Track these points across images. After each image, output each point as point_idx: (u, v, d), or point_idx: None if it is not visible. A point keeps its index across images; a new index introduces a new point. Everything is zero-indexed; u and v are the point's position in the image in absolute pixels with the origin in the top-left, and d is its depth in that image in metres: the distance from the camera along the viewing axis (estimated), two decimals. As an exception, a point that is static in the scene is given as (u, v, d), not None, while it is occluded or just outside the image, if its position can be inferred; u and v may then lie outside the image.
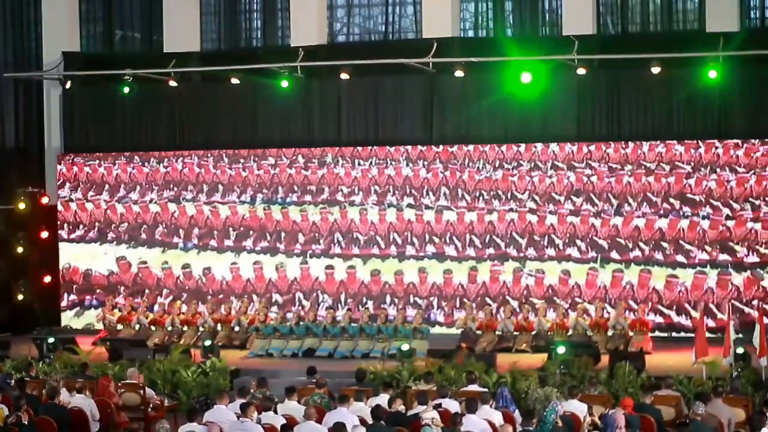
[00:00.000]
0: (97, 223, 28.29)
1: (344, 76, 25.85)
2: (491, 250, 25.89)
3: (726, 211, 24.51)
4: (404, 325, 23.71)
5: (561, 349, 21.14)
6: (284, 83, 26.30)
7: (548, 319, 23.83)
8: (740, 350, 20.03)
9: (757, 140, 24.35)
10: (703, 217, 24.63)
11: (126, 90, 27.19)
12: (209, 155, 27.66)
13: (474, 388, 18.16)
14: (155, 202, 27.97)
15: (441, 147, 26.24)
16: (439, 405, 16.55)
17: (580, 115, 25.62)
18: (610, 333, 23.36)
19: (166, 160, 27.89)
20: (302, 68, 26.13)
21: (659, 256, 24.92)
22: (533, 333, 23.76)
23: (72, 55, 28.58)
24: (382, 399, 16.93)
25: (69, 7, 28.89)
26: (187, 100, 27.93)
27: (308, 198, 27.02)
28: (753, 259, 24.42)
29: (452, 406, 16.55)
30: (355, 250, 26.72)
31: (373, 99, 26.89)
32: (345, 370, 21.17)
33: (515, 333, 23.87)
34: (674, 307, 24.70)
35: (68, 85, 28.14)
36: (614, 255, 25.18)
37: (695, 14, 25.62)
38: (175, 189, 27.87)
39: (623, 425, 15.45)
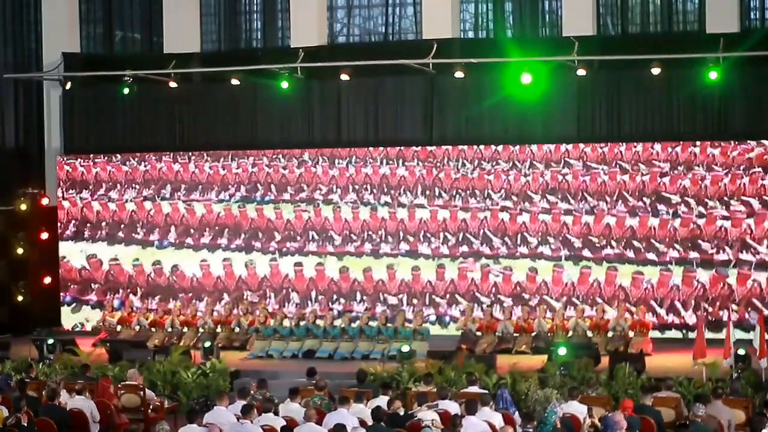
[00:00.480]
0: (89, 223, 28.35)
1: (344, 77, 25.84)
2: (464, 248, 25.99)
3: (700, 209, 24.60)
4: (404, 327, 23.71)
5: (561, 351, 21.14)
6: (284, 84, 26.31)
7: (548, 319, 23.84)
8: (741, 352, 20.02)
9: (755, 141, 24.41)
10: (674, 215, 24.74)
11: (126, 91, 27.18)
12: (191, 155, 27.72)
13: (474, 389, 18.16)
14: (131, 201, 28.05)
15: (420, 147, 26.31)
16: (436, 405, 16.56)
17: (580, 116, 25.58)
18: (610, 334, 23.36)
19: (145, 158, 27.97)
20: (302, 69, 26.13)
21: (630, 253, 25.04)
22: (533, 334, 23.75)
23: (72, 56, 28.55)
24: (382, 400, 16.92)
25: (69, 8, 28.88)
26: (187, 101, 27.90)
27: (286, 196, 27.11)
28: (722, 257, 24.51)
29: (452, 407, 16.55)
30: (330, 248, 26.81)
31: (373, 100, 26.86)
32: (345, 371, 21.17)
33: (515, 334, 23.86)
34: (641, 305, 24.62)
35: (68, 86, 28.12)
36: (586, 253, 25.29)
37: (695, 15, 25.61)
38: (153, 187, 27.97)
39: (623, 427, 15.45)
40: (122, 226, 28.08)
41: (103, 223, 28.22)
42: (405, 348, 22.24)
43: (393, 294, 26.35)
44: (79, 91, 28.40)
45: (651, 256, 24.90)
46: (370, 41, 27.97)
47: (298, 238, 26.97)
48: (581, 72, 24.64)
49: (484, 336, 23.87)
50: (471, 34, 27.14)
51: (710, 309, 24.10)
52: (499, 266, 25.76)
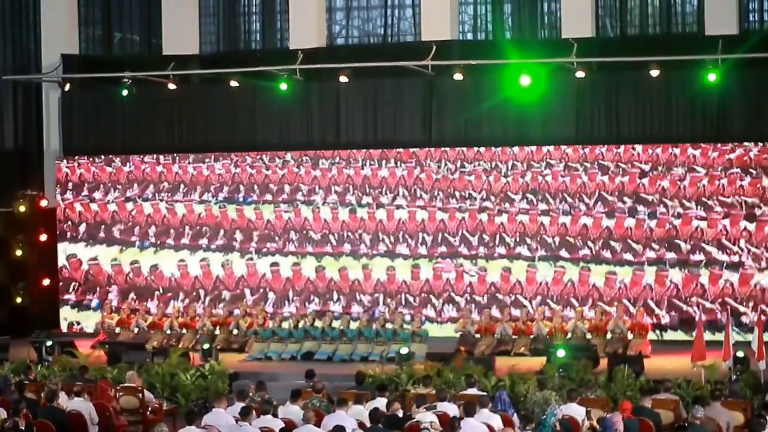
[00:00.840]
0: (72, 223, 28.43)
1: (343, 78, 25.84)
2: (443, 248, 26.16)
3: (679, 210, 24.78)
4: (403, 329, 23.69)
5: (560, 353, 21.14)
6: (283, 86, 26.30)
7: (546, 323, 23.83)
8: (740, 353, 20.03)
9: (756, 143, 24.47)
10: (651, 216, 24.88)
11: (125, 92, 27.15)
12: (176, 156, 27.88)
13: (473, 391, 18.15)
14: (113, 202, 28.11)
15: (419, 149, 26.44)
16: (434, 407, 16.56)
17: (579, 117, 25.60)
18: (608, 336, 23.35)
19: (129, 159, 28.09)
20: (301, 71, 26.10)
21: (607, 254, 25.18)
22: (532, 336, 23.73)
23: (71, 58, 28.54)
24: (380, 402, 16.92)
25: (68, 10, 28.86)
26: (186, 103, 27.88)
27: (269, 197, 27.23)
28: (699, 257, 24.66)
29: (451, 409, 16.53)
30: (310, 249, 26.95)
31: (372, 102, 26.87)
32: (344, 373, 21.16)
33: (514, 337, 23.84)
34: (615, 303, 24.81)
35: (67, 87, 28.11)
36: (563, 253, 25.44)
37: (694, 17, 25.63)
38: (137, 188, 28.06)
39: (622, 429, 15.46)
40: (103, 226, 28.17)
41: (82, 224, 28.28)
42: (404, 350, 22.24)
43: (368, 293, 26.51)
44: (78, 92, 28.39)
45: (628, 256, 25.07)
46: (368, 43, 27.96)
47: (277, 238, 27.09)
48: (580, 74, 24.65)
49: (482, 338, 23.87)
50: (470, 36, 27.14)
51: (707, 309, 24.26)
52: (475, 267, 25.87)
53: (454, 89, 25.85)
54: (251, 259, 27.21)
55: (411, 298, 26.23)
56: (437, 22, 26.39)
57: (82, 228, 28.26)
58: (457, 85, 25.54)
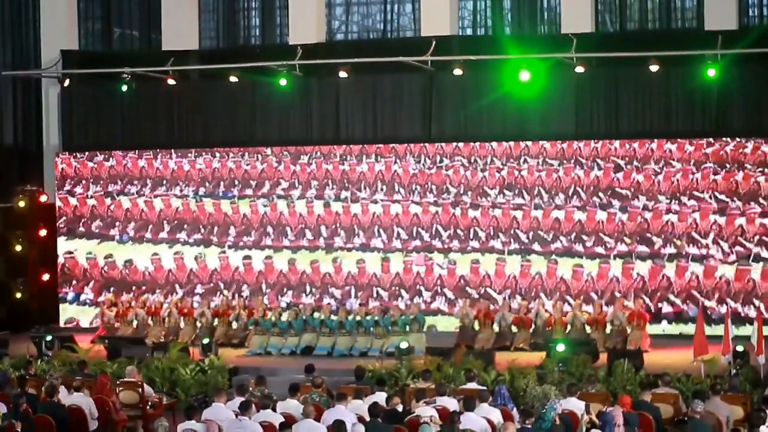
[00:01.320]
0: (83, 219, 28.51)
1: (343, 74, 25.85)
2: (417, 242, 26.31)
3: (650, 204, 24.94)
4: (401, 317, 23.70)
5: (560, 347, 21.16)
6: (283, 81, 26.30)
7: (547, 309, 23.88)
8: (739, 348, 20.04)
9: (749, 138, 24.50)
10: (622, 210, 25.01)
11: (124, 88, 27.16)
12: (158, 152, 27.97)
13: (472, 386, 18.15)
14: (92, 197, 28.22)
15: (392, 144, 26.56)
16: (434, 402, 16.57)
17: (578, 112, 25.63)
18: (608, 330, 23.36)
19: (112, 155, 28.21)
20: (301, 66, 26.12)
21: (579, 247, 25.30)
22: (531, 330, 23.74)
23: (70, 54, 28.56)
24: (380, 397, 16.93)
25: (68, 6, 28.85)
26: (185, 99, 27.90)
27: (249, 192, 27.34)
28: (670, 250, 24.78)
29: (451, 404, 16.55)
30: (286, 242, 27.07)
31: (372, 97, 26.88)
32: (344, 368, 21.16)
33: (513, 330, 23.84)
34: (582, 297, 24.96)
35: (67, 83, 28.09)
36: (536, 247, 25.57)
37: (693, 12, 25.65)
38: (120, 183, 28.18)
39: (621, 423, 15.47)
40: (83, 220, 28.28)
41: (62, 219, 28.34)
42: (403, 344, 22.22)
43: (339, 287, 26.62)
44: (78, 88, 28.39)
45: (599, 249, 25.18)
46: (368, 38, 27.98)
47: (253, 232, 27.18)
48: (580, 69, 24.66)
49: (482, 331, 23.87)
50: (469, 31, 27.16)
51: (709, 303, 24.31)
52: (446, 260, 26.02)
53: (454, 85, 25.86)
54: (224, 252, 27.33)
55: (381, 291, 26.36)
56: (437, 17, 26.40)
57: (62, 223, 28.36)
58: (456, 80, 25.54)
